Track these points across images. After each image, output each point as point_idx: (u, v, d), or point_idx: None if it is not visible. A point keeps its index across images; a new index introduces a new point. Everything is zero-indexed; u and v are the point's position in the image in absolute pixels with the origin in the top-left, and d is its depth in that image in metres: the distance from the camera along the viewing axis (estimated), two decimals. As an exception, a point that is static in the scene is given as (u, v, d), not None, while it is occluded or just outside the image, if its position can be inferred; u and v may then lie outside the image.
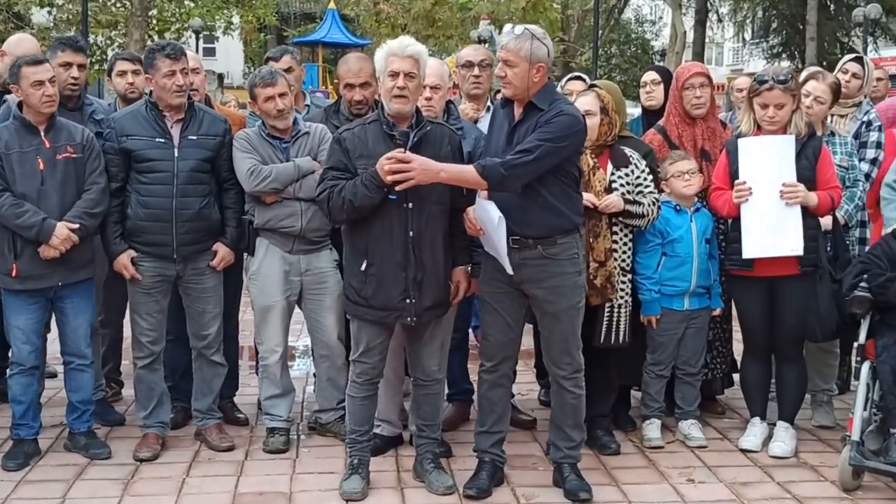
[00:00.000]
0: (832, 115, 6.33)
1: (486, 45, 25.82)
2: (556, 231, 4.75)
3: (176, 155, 5.34)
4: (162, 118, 5.38)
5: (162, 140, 5.34)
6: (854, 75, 6.57)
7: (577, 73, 7.54)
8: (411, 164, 4.57)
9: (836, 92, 6.07)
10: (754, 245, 5.37)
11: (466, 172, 4.68)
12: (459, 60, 6.16)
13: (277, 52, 6.48)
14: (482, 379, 5.06)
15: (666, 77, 6.49)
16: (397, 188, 4.61)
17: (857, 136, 6.34)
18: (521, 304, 4.93)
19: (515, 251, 4.75)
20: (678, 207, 5.71)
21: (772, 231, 5.33)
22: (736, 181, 5.43)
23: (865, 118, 6.46)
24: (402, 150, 4.66)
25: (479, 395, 5.14)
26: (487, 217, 4.69)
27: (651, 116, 6.52)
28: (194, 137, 5.39)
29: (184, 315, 5.63)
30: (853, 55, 6.89)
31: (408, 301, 4.83)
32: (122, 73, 6.20)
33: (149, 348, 5.51)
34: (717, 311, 5.86)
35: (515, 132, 4.74)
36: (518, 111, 4.79)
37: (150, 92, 5.43)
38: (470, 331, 6.32)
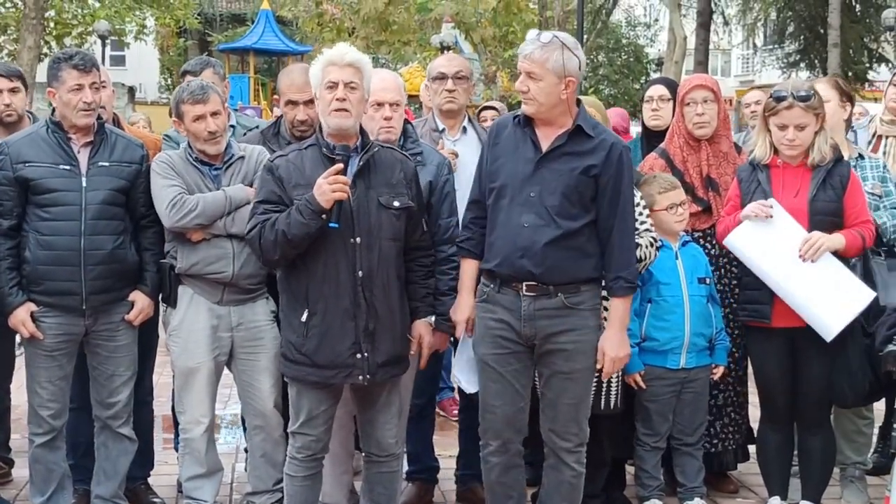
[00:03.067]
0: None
1: (450, 52, 25.96)
2: (582, 276, 4.80)
3: (84, 184, 5.31)
4: (67, 141, 5.36)
5: (67, 167, 5.32)
6: None
7: None
8: None
9: (843, 91, 6.22)
10: (833, 319, 5.30)
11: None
12: (431, 72, 6.21)
13: (197, 64, 6.48)
14: (490, 463, 5.01)
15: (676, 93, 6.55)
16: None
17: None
18: (530, 365, 4.95)
19: (529, 300, 4.78)
20: (660, 243, 5.72)
21: (834, 294, 5.29)
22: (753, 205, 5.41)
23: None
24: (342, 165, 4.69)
25: (488, 482, 5.06)
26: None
27: (654, 138, 6.60)
28: (106, 164, 5.38)
29: (87, 378, 5.58)
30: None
31: (359, 356, 4.82)
32: None
33: (49, 423, 5.45)
34: (720, 371, 5.83)
35: (546, 162, 4.76)
36: (545, 132, 4.81)
37: (53, 110, 5.42)
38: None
